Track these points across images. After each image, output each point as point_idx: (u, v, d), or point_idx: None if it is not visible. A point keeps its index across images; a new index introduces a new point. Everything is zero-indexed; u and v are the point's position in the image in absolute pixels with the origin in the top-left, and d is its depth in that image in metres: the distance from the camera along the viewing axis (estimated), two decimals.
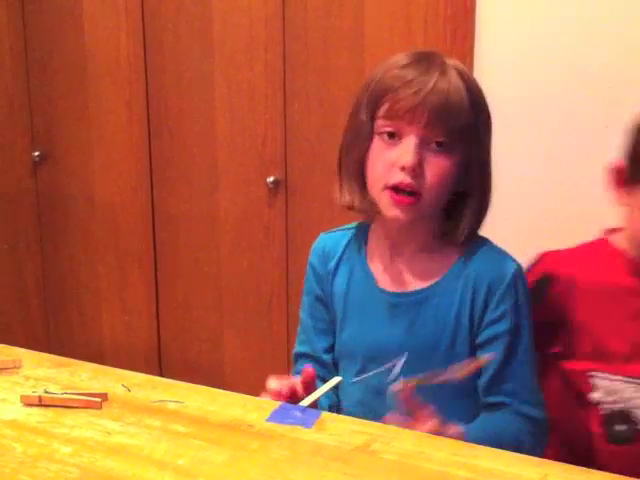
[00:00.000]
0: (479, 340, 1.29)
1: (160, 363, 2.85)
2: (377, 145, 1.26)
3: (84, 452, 1.06)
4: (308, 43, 2.44)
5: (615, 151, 2.10)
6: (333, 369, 1.39)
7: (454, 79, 1.23)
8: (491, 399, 1.29)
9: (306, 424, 1.13)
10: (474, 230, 1.32)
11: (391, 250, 1.34)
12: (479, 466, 1.05)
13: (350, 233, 1.40)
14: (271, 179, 2.51)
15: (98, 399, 1.18)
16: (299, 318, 1.44)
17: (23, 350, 1.37)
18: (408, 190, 1.23)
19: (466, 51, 2.22)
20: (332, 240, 1.41)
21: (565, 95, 2.12)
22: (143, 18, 2.65)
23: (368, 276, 1.35)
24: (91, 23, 2.75)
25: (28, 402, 1.19)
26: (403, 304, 1.31)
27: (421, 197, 1.24)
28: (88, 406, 1.18)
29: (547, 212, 2.20)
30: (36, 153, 2.90)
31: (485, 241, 1.34)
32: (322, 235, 1.44)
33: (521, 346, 1.27)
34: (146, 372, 1.36)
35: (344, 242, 1.39)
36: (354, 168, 1.31)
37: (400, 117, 1.23)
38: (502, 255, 1.32)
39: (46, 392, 1.20)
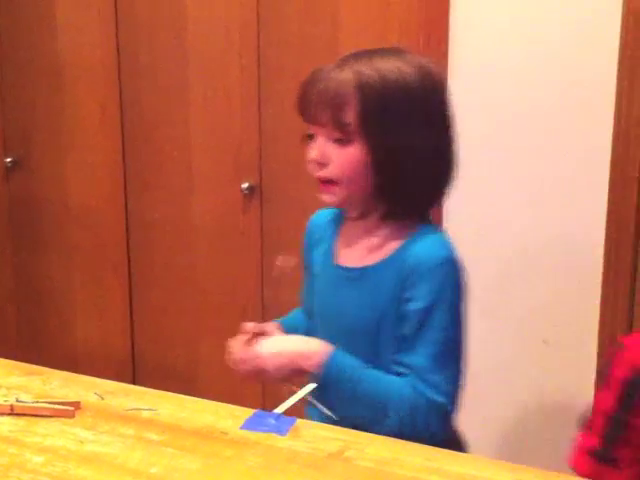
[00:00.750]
0: (398, 315, 1.35)
1: (134, 369, 2.83)
2: (308, 144, 1.41)
3: (57, 461, 1.05)
4: (283, 49, 2.44)
5: (590, 154, 2.12)
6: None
7: (342, 76, 1.33)
8: (394, 368, 1.32)
9: (280, 431, 1.13)
10: (396, 212, 1.38)
11: (351, 230, 1.45)
12: (452, 471, 1.05)
13: (335, 212, 1.51)
14: (245, 185, 2.51)
15: (71, 408, 1.17)
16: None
17: None
18: (323, 180, 1.38)
19: (440, 56, 2.24)
20: (320, 216, 1.56)
21: (539, 97, 2.13)
22: (117, 24, 2.64)
23: (331, 252, 1.47)
24: (65, 28, 2.73)
25: None
26: (350, 278, 1.41)
27: (338, 185, 1.36)
28: (61, 415, 1.17)
29: (515, 220, 2.22)
30: (9, 159, 2.88)
31: (433, 228, 1.42)
32: (318, 211, 1.57)
33: (429, 328, 1.31)
34: (120, 379, 1.36)
35: (328, 220, 1.52)
36: None
37: (305, 118, 1.39)
38: (438, 242, 1.38)
39: (18, 401, 1.19)
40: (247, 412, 1.18)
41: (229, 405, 1.21)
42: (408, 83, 1.33)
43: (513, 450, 2.34)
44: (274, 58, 2.46)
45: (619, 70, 2.01)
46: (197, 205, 2.64)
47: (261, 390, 2.53)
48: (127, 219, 2.74)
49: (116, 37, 2.64)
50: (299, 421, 1.16)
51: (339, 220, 1.49)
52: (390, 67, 1.34)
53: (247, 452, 1.08)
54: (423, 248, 1.36)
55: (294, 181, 2.48)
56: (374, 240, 1.41)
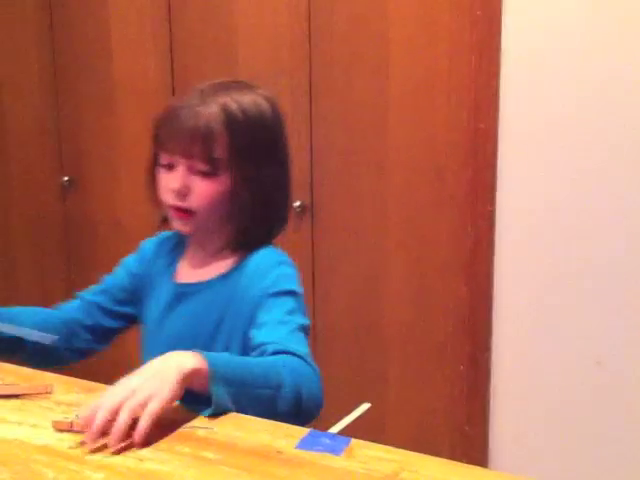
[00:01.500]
0: (246, 320, 1.41)
1: None
2: (160, 172, 1.45)
3: (116, 478, 1.06)
4: (333, 69, 2.46)
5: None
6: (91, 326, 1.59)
7: (209, 112, 1.39)
8: (257, 352, 1.33)
9: (335, 451, 1.13)
10: (239, 240, 1.46)
11: (193, 251, 1.53)
12: None
13: (180, 234, 1.57)
14: (297, 204, 2.53)
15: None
16: (103, 278, 1.66)
17: (54, 375, 1.38)
18: (182, 208, 1.43)
19: (491, 76, 2.24)
20: (162, 238, 1.63)
21: (594, 116, 2.12)
22: (171, 45, 2.68)
23: (173, 271, 1.54)
24: (119, 50, 2.79)
25: (59, 428, 1.20)
26: (187, 293, 1.49)
27: (194, 214, 1.42)
28: None
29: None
30: (65, 178, 2.93)
31: (269, 247, 1.50)
32: (159, 233, 1.65)
33: (279, 309, 1.38)
34: None
35: (172, 242, 1.60)
36: (154, 190, 1.50)
37: (166, 149, 1.42)
38: (270, 251, 1.48)
39: (78, 417, 1.21)
40: (302, 431, 1.19)
41: (284, 424, 1.22)
42: (265, 116, 1.44)
43: (564, 474, 2.31)
44: (324, 78, 2.48)
45: None
46: None
47: None
48: None
49: (170, 59, 2.69)
50: (354, 441, 1.16)
51: (184, 242, 1.56)
52: (249, 101, 1.43)
53: (302, 472, 1.08)
54: (259, 256, 1.46)
55: (345, 200, 2.49)
56: (216, 261, 1.48)
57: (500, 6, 2.20)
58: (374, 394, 2.53)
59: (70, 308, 1.62)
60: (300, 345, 1.34)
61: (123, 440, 1.11)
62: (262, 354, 1.31)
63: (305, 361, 1.30)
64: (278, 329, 1.35)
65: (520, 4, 2.17)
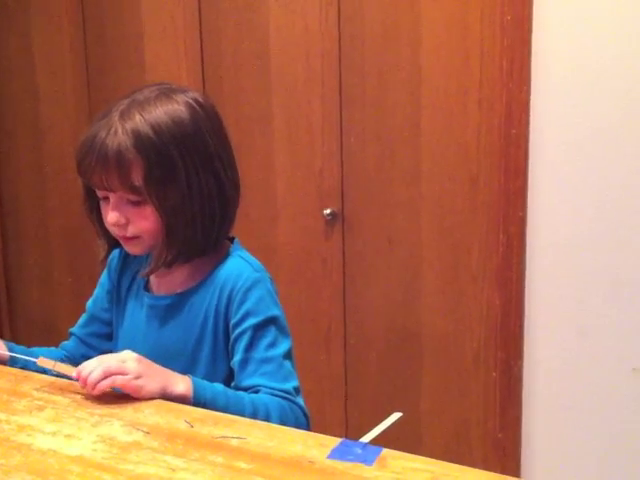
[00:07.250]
0: (231, 342, 1.43)
1: None
2: (102, 204, 1.44)
3: None
4: (364, 77, 2.46)
5: None
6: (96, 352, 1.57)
7: (120, 140, 1.34)
8: (244, 384, 1.39)
9: (367, 461, 1.13)
10: (188, 251, 1.44)
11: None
12: None
13: None
14: (328, 211, 2.53)
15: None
16: (87, 304, 1.66)
17: None
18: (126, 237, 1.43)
19: (523, 82, 2.23)
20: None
21: (623, 120, 2.10)
22: (202, 56, 2.70)
23: (141, 282, 1.54)
24: (152, 62, 2.81)
25: (43, 364, 1.39)
26: (157, 306, 1.49)
27: (140, 238, 1.43)
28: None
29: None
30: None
31: (236, 251, 1.49)
32: None
33: (261, 344, 1.40)
34: None
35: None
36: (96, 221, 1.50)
37: (92, 184, 1.40)
38: (244, 265, 1.46)
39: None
40: (334, 441, 1.19)
41: (317, 434, 1.22)
42: (183, 127, 1.37)
43: None
44: (355, 86, 2.48)
45: None
46: (280, 231, 2.67)
47: (344, 418, 2.53)
48: None
49: (201, 70, 2.71)
50: (385, 451, 1.16)
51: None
52: (161, 114, 1.36)
53: None
54: (231, 268, 1.45)
55: (376, 208, 2.49)
56: (184, 269, 1.48)
57: (530, 11, 2.19)
58: (407, 403, 2.53)
59: (72, 347, 1.64)
60: (287, 381, 1.40)
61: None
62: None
63: (294, 402, 1.37)
64: (263, 368, 1.39)
65: (550, 9, 2.15)
